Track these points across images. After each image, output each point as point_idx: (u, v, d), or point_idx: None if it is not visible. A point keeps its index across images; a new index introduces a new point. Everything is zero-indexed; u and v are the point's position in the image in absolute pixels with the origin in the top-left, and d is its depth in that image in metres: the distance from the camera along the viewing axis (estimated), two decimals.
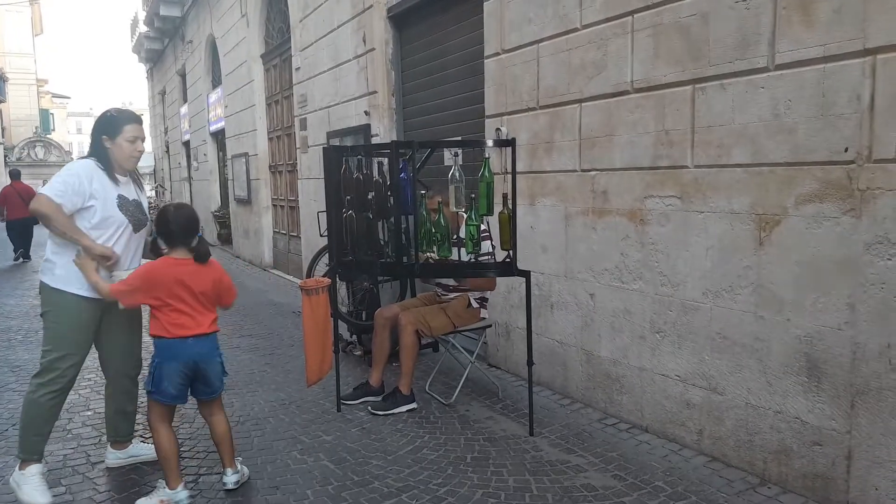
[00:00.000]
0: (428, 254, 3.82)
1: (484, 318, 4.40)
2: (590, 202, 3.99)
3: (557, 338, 4.33)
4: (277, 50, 10.22)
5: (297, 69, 8.78)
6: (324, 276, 4.45)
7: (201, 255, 3.05)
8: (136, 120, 3.30)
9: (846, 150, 2.66)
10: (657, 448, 3.51)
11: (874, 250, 2.60)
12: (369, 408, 4.15)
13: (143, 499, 3.02)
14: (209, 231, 15.80)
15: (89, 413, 4.25)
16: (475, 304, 4.34)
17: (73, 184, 3.04)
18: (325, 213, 4.33)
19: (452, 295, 4.44)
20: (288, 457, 3.53)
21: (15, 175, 13.52)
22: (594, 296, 4.02)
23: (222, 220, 14.63)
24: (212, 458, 3.52)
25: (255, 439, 3.78)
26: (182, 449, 3.64)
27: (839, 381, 2.76)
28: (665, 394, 3.58)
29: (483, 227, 3.84)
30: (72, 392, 4.60)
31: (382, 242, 4.16)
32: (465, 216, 3.69)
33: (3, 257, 13.50)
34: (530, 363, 3.79)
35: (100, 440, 3.81)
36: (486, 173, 3.59)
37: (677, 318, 3.47)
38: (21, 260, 13.00)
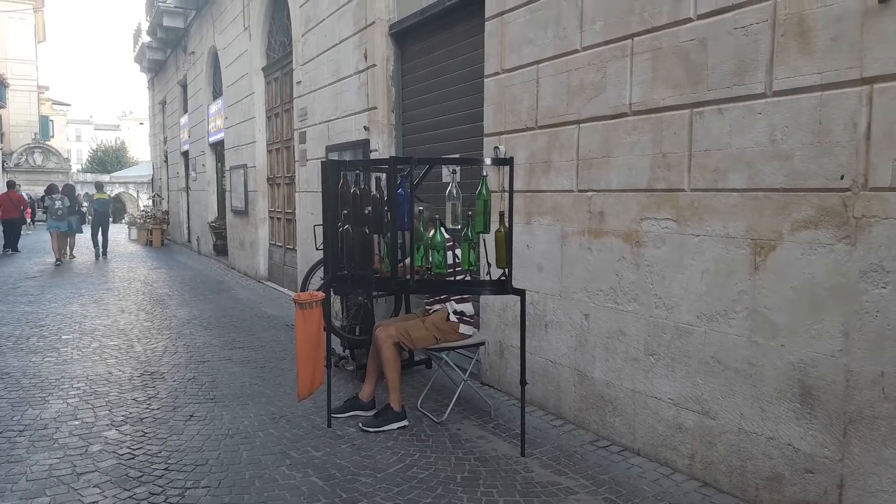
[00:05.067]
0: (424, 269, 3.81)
1: (465, 334, 4.36)
2: (586, 222, 3.99)
3: (551, 358, 4.31)
4: (279, 63, 10.26)
5: (298, 83, 8.81)
6: (318, 289, 4.43)
7: None
8: None
9: (842, 177, 2.66)
10: (648, 471, 3.48)
11: (869, 278, 2.60)
12: (360, 424, 4.11)
13: None
14: (205, 241, 15.77)
15: (77, 422, 4.20)
16: (454, 318, 4.32)
17: None
18: (321, 227, 4.32)
19: (436, 307, 4.44)
20: (276, 472, 3.49)
21: (10, 185, 17.26)
22: (588, 316, 4.00)
23: (218, 230, 14.61)
24: (199, 471, 3.48)
25: (243, 453, 3.74)
26: (169, 461, 3.61)
27: (832, 408, 2.74)
28: (657, 417, 3.56)
29: (447, 235, 3.83)
30: (60, 401, 4.60)
31: (378, 257, 4.15)
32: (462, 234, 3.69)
33: None
34: (523, 383, 3.76)
35: (86, 450, 3.76)
36: (484, 191, 3.59)
37: (671, 341, 3.46)
38: (10, 252, 16.11)
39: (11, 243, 16.44)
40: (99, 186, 17.97)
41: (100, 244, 15.54)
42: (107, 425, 4.17)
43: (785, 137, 2.87)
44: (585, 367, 4.04)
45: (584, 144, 3.96)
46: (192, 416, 4.35)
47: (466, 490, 3.29)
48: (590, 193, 3.95)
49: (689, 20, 3.28)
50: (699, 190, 3.27)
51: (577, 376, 4.11)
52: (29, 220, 22.40)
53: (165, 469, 3.53)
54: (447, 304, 4.35)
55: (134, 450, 3.79)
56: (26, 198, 19.69)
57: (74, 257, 15.06)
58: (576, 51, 3.98)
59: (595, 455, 3.72)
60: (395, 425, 4.09)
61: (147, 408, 4.51)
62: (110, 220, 16.58)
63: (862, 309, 2.62)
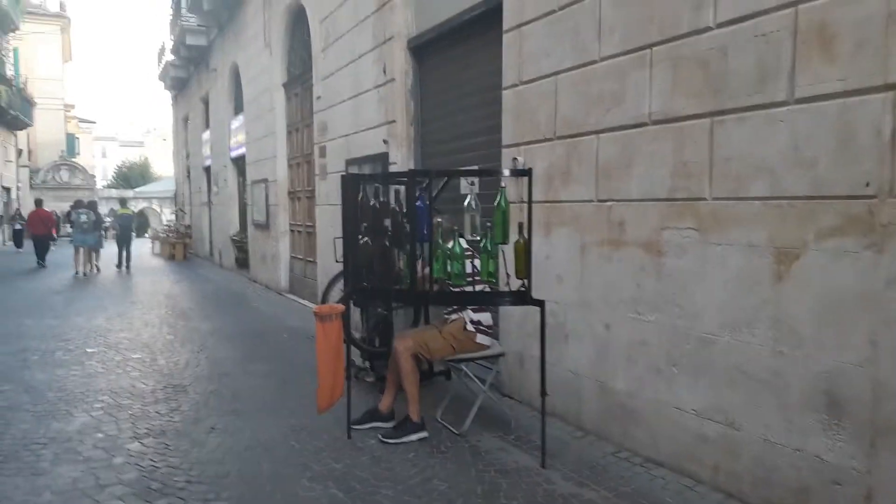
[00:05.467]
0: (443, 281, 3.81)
1: (482, 345, 4.34)
2: (606, 233, 3.96)
3: (572, 368, 4.28)
4: (299, 79, 10.37)
5: (318, 98, 8.90)
6: (338, 301, 4.45)
7: None
8: None
9: (867, 184, 2.62)
10: (672, 483, 3.43)
11: None
12: (380, 436, 4.11)
13: None
14: (227, 255, 15.92)
15: (100, 435, 4.24)
16: (471, 328, 4.30)
17: None
18: (341, 240, 4.34)
19: (454, 317, 4.43)
20: (297, 484, 3.49)
21: (38, 203, 18.28)
22: (609, 326, 3.97)
23: (240, 244, 14.74)
24: (220, 483, 3.49)
25: (264, 465, 3.75)
26: (191, 474, 3.62)
27: (860, 419, 2.69)
28: (680, 428, 3.51)
29: (466, 245, 3.83)
30: (84, 414, 4.65)
31: (397, 269, 4.15)
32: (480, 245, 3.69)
33: (26, 262, 17.54)
34: (543, 394, 3.74)
35: (110, 463, 3.79)
36: (502, 202, 3.59)
37: (694, 351, 3.42)
38: (40, 264, 16.76)
39: (40, 257, 17.08)
40: (122, 202, 18.32)
41: (123, 258, 15.81)
42: (130, 438, 4.21)
43: (808, 145, 2.83)
44: (607, 378, 4.00)
45: (604, 154, 3.94)
46: (213, 428, 4.37)
47: (487, 502, 3.26)
48: (610, 203, 3.93)
49: (708, 28, 3.26)
50: (721, 199, 3.24)
51: (599, 387, 4.07)
52: (56, 236, 22.87)
53: (187, 481, 3.54)
54: (464, 313, 4.34)
55: (156, 462, 3.81)
56: (54, 216, 20.19)
57: (100, 270, 15.32)
58: (594, 61, 3.97)
59: (617, 466, 3.67)
60: (414, 437, 4.08)
61: (169, 420, 4.54)
62: (133, 234, 16.87)
63: (890, 318, 2.57)
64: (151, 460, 3.83)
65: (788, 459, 2.97)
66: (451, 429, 4.27)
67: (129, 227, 16.61)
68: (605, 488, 3.39)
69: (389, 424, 4.24)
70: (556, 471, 3.63)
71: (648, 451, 3.72)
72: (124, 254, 15.88)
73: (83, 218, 14.62)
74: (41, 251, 17.18)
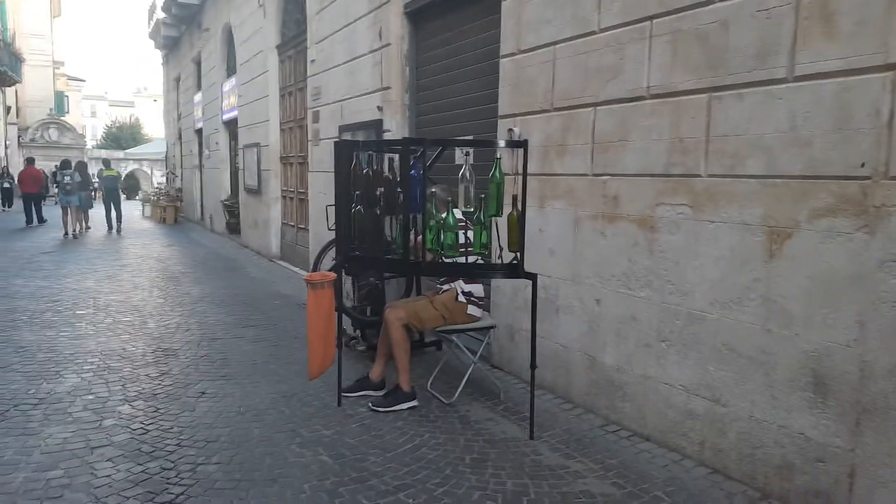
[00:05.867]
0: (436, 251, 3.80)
1: (473, 316, 4.36)
2: (600, 207, 3.96)
3: (562, 342, 4.31)
4: (293, 41, 10.21)
5: (312, 61, 8.78)
6: (330, 270, 4.44)
7: None
8: None
9: (862, 165, 2.62)
10: (658, 457, 3.48)
11: (887, 268, 2.56)
12: (370, 404, 4.14)
13: None
14: (218, 220, 15.84)
15: (91, 397, 4.25)
16: (462, 299, 4.32)
17: None
18: (333, 207, 4.32)
19: (445, 287, 4.44)
20: (287, 450, 3.53)
21: (30, 161, 18.45)
22: (600, 301, 3.99)
23: (231, 209, 14.66)
24: (210, 447, 3.52)
25: (254, 430, 3.78)
26: (181, 437, 3.65)
27: (845, 398, 2.72)
28: (668, 403, 3.55)
29: (459, 217, 3.81)
30: (74, 375, 4.66)
31: (389, 239, 4.14)
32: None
33: (14, 222, 17.71)
34: (533, 366, 3.76)
35: (100, 425, 3.81)
36: (497, 174, 3.57)
37: (684, 328, 3.44)
38: (35, 224, 16.96)
39: (34, 216, 17.22)
40: (106, 163, 18.19)
41: (113, 220, 15.76)
42: (120, 400, 4.22)
43: (805, 124, 2.82)
44: (596, 352, 4.03)
45: (601, 128, 3.92)
46: (203, 392, 4.40)
47: (475, 471, 3.30)
48: (605, 178, 3.92)
49: (710, 2, 3.22)
50: (716, 176, 3.23)
51: (588, 361, 4.10)
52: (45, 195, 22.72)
53: (177, 445, 3.57)
54: (455, 284, 4.35)
55: (146, 425, 3.83)
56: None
57: (90, 228, 15.36)
58: (593, 32, 3.92)
59: (604, 440, 3.72)
60: (404, 405, 4.11)
61: (160, 384, 4.56)
62: (121, 196, 16.79)
63: (879, 299, 2.59)
64: (142, 423, 3.86)
65: (773, 437, 3.01)
66: (441, 398, 4.30)
67: (115, 188, 16.54)
68: (592, 460, 3.44)
69: (379, 393, 4.27)
70: (544, 442, 3.67)
71: (635, 425, 3.77)
72: (113, 214, 15.84)
73: (66, 179, 14.58)
74: (34, 209, 17.26)
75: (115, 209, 15.92)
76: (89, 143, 46.30)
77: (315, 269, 5.74)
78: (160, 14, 19.85)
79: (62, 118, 38.48)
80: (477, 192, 3.65)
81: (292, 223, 10.76)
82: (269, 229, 11.53)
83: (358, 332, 5.60)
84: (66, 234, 14.35)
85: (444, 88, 5.99)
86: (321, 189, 8.45)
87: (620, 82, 3.75)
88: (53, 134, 36.48)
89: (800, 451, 2.90)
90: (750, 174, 3.06)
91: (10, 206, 22.62)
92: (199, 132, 18.75)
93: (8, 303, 7.13)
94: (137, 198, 30.65)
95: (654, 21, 3.52)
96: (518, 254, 3.66)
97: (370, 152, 4.04)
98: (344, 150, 4.10)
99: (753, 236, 3.06)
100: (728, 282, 3.19)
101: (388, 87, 6.61)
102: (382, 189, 3.93)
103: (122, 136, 53.00)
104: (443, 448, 3.58)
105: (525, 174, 3.67)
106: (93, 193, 16.69)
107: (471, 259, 3.91)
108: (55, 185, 16.80)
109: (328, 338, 3.98)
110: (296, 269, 9.95)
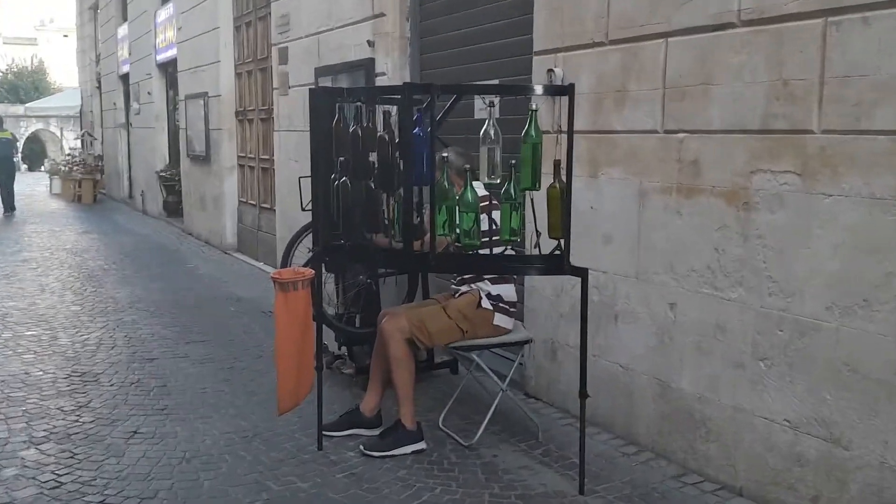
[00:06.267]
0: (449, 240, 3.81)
1: (502, 327, 4.36)
2: (674, 176, 3.95)
3: (622, 362, 4.32)
4: None
5: None
6: (305, 265, 4.46)
7: None
8: None
9: None
10: None
11: None
12: (361, 446, 4.16)
13: None
14: (152, 197, 15.93)
15: None
16: (487, 305, 4.32)
17: None
18: (309, 180, 4.33)
19: (463, 288, 4.43)
20: None
21: None
22: (675, 306, 3.99)
23: (170, 182, 14.75)
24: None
25: (205, 483, 3.81)
26: (106, 493, 3.68)
27: None
28: (768, 445, 3.55)
29: (481, 191, 3.81)
30: None
31: (386, 222, 4.15)
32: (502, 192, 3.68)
33: None
34: (583, 395, 3.77)
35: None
36: (532, 132, 3.56)
37: (790, 341, 3.44)
38: None
39: None
40: None
41: (4, 199, 15.83)
42: (24, 443, 4.27)
43: None
44: (669, 376, 4.04)
45: (674, 67, 3.91)
46: (135, 432, 4.44)
47: None
48: (680, 135, 3.91)
49: None
50: (834, 132, 3.21)
51: (658, 387, 4.11)
52: None
53: (101, 503, 3.61)
54: (478, 284, 4.35)
55: (60, 476, 3.88)
56: None
57: None
58: None
59: (680, 494, 3.73)
60: (408, 449, 4.13)
61: (76, 420, 4.61)
62: (16, 165, 16.82)
63: None
64: (54, 473, 3.90)
65: None
66: (458, 439, 4.32)
67: (10, 156, 16.57)
68: None
69: (374, 432, 4.30)
70: (599, 498, 3.69)
71: (724, 474, 3.77)
72: (3, 192, 15.90)
73: None
74: None
75: (7, 186, 15.96)
76: None
77: (285, 264, 5.76)
78: None
79: None
80: (505, 156, 3.64)
81: (253, 201, 10.80)
82: (222, 210, 11.58)
83: (344, 349, 5.62)
84: None
85: (457, 15, 5.98)
86: (292, 155, 8.48)
87: (700, 4, 3.74)
88: None
89: None
90: (880, 129, 3.04)
91: None
92: (124, 78, 18.84)
93: None
94: (43, 169, 30.86)
95: None
96: (562, 242, 3.66)
97: (358, 103, 4.04)
98: (322, 102, 4.12)
99: (886, 215, 3.04)
100: (851, 277, 3.18)
101: (381, 15, 6.61)
102: (375, 154, 3.93)
103: (22, 86, 53.29)
104: None
105: (571, 132, 3.67)
106: None
107: (497, 250, 3.91)
108: None
109: (303, 357, 4.00)
110: (258, 265, 10.01)
